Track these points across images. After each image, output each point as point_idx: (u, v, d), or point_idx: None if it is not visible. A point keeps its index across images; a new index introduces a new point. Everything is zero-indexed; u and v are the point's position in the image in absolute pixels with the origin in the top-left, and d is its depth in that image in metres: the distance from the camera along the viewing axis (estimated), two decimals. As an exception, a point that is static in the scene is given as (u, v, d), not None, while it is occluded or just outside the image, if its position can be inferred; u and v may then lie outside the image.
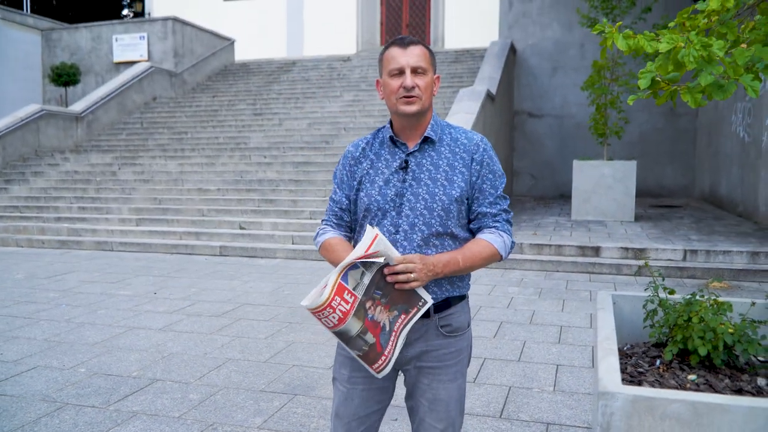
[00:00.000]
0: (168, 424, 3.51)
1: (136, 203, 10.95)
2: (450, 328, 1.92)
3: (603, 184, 10.52)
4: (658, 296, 2.00)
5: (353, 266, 1.66)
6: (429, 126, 1.91)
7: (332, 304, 1.64)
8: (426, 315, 1.85)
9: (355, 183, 1.95)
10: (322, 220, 2.06)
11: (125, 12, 33.56)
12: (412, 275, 1.70)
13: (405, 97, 1.83)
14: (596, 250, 8.00)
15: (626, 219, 10.40)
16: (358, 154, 1.99)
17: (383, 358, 1.74)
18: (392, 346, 1.75)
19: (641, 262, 7.66)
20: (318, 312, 1.64)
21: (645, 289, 2.05)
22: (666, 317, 1.89)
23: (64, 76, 16.57)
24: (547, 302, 6.21)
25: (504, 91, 13.39)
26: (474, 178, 1.89)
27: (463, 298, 1.96)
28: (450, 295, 1.90)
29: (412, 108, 1.84)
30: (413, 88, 1.82)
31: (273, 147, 12.51)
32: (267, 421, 3.53)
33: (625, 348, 2.04)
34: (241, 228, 9.72)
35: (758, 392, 1.69)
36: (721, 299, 1.89)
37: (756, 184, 10.15)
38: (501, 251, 1.88)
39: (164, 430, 3.43)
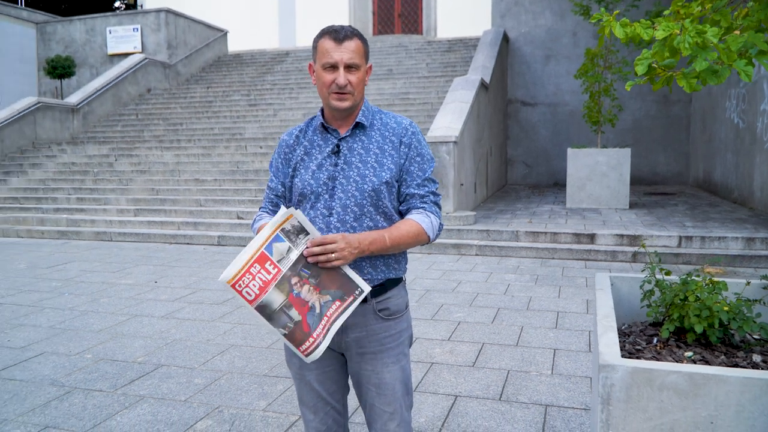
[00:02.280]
0: (174, 407, 3.59)
1: (133, 194, 10.98)
2: (388, 312, 1.97)
3: (597, 171, 10.61)
4: (654, 277, 2.08)
5: (278, 239, 1.69)
6: (360, 112, 1.97)
7: (251, 270, 1.66)
8: (363, 300, 1.88)
9: (290, 170, 2.00)
10: (260, 208, 2.12)
11: (117, 4, 33.37)
12: (333, 255, 1.73)
13: (337, 92, 1.88)
14: (591, 237, 8.10)
15: (621, 206, 10.50)
16: (292, 141, 2.04)
17: (311, 339, 1.73)
18: (323, 330, 1.75)
19: (636, 249, 7.76)
20: (237, 281, 1.64)
21: (642, 271, 2.13)
22: (663, 297, 1.97)
23: (59, 69, 16.52)
24: (544, 289, 6.31)
25: (497, 79, 13.45)
26: (402, 161, 1.94)
27: (399, 281, 2.01)
28: (386, 277, 1.95)
29: (344, 104, 1.90)
30: (346, 85, 1.87)
31: (268, 137, 12.54)
32: (272, 404, 3.61)
33: (623, 327, 2.12)
34: (239, 218, 9.78)
35: (754, 367, 1.77)
36: (716, 279, 1.98)
37: (751, 170, 10.26)
38: (428, 231, 1.93)
39: (171, 413, 3.51)
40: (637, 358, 1.80)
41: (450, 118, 9.53)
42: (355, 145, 1.94)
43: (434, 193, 1.98)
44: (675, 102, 14.57)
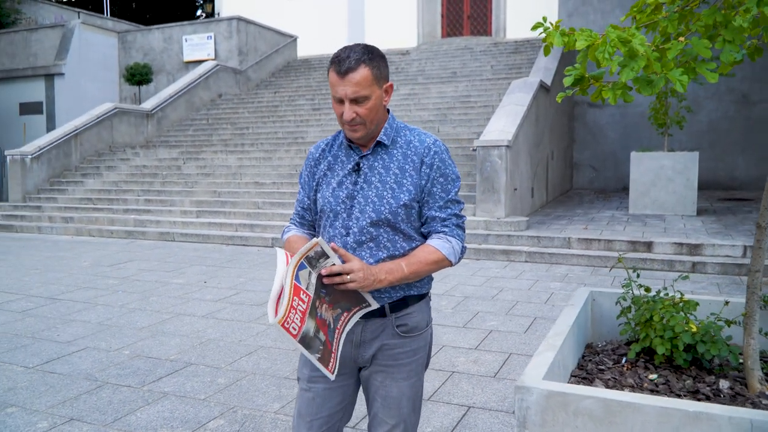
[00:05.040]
0: (192, 405, 3.71)
1: (197, 196, 11.42)
2: (406, 328, 1.91)
3: (663, 176, 10.14)
4: (632, 292, 1.97)
5: (301, 266, 1.68)
6: (382, 130, 1.91)
7: (293, 305, 1.65)
8: (383, 314, 1.87)
9: (314, 184, 1.99)
10: (290, 219, 2.12)
11: (199, 13, 34.84)
12: (347, 277, 1.69)
13: (348, 124, 1.83)
14: (648, 246, 7.75)
15: (687, 213, 9.99)
16: (318, 155, 2.02)
17: (333, 356, 1.75)
18: (337, 344, 1.77)
19: (696, 259, 7.37)
20: (285, 319, 1.64)
21: (622, 286, 2.03)
22: (636, 315, 1.87)
23: (137, 76, 17.39)
24: (588, 298, 6.09)
25: (561, 81, 13.08)
26: (424, 182, 1.86)
27: (422, 297, 1.95)
28: (406, 294, 1.90)
29: (356, 135, 1.85)
30: (354, 118, 1.81)
31: (329, 141, 12.72)
32: (284, 407, 3.67)
33: (600, 345, 2.03)
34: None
35: (715, 395, 1.65)
36: (688, 297, 1.85)
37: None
38: (450, 257, 1.86)
39: (188, 411, 3.63)
40: (591, 379, 1.71)
41: (504, 122, 9.37)
42: (376, 164, 1.89)
43: (457, 215, 1.91)
44: (756, 102, 13.72)
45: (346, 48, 1.82)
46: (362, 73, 1.77)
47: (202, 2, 33.74)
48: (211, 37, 18.51)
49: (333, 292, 1.75)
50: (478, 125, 11.87)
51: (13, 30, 19.21)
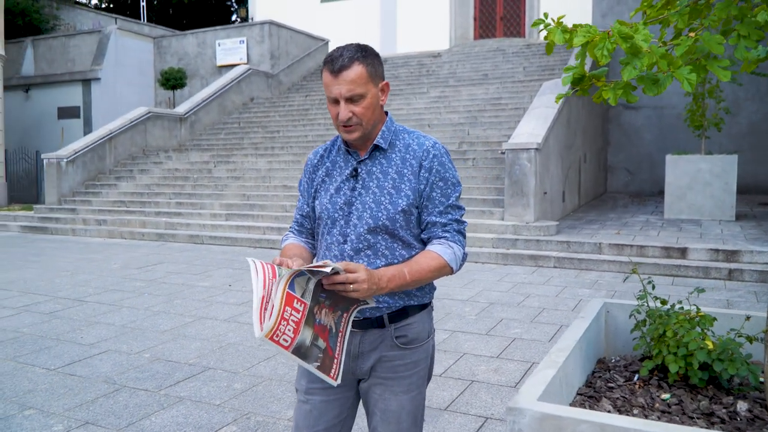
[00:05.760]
0: (207, 410, 3.69)
1: (227, 199, 11.51)
2: (405, 339, 1.84)
3: (699, 179, 9.82)
4: (647, 305, 1.85)
5: (299, 273, 1.61)
6: (379, 133, 1.84)
7: (284, 315, 1.56)
8: (381, 325, 1.81)
9: (313, 191, 1.94)
10: (289, 227, 2.06)
11: (234, 18, 35.31)
12: (351, 286, 1.61)
13: (344, 125, 1.77)
14: (682, 252, 7.50)
15: (725, 218, 9.66)
16: (316, 161, 1.97)
17: (335, 362, 1.68)
18: (340, 348, 1.70)
19: (733, 266, 7.09)
20: (274, 332, 1.55)
21: (637, 297, 1.91)
22: (650, 329, 1.75)
23: (172, 80, 17.67)
24: (617, 305, 5.90)
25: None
26: (422, 187, 1.79)
27: (423, 307, 1.88)
28: (406, 304, 1.83)
29: (352, 136, 1.79)
30: (350, 118, 1.75)
31: (358, 144, 12.70)
32: (298, 414, 3.61)
33: (613, 360, 1.92)
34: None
35: (731, 418, 1.53)
36: (705, 311, 1.73)
37: None
38: (451, 263, 1.78)
39: (202, 416, 3.61)
40: (598, 398, 1.61)
41: (534, 125, 9.20)
42: (374, 169, 1.83)
43: (458, 221, 1.84)
44: (800, 103, 13.21)
45: (338, 48, 1.77)
46: (356, 70, 1.72)
47: (236, 7, 34.19)
48: (243, 41, 18.70)
49: (333, 296, 1.68)
50: (508, 128, 11.69)
51: (52, 36, 19.73)
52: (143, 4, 25.96)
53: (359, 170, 1.84)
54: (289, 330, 1.57)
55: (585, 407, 1.54)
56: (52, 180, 12.81)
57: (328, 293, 1.67)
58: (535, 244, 8.25)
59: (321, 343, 1.66)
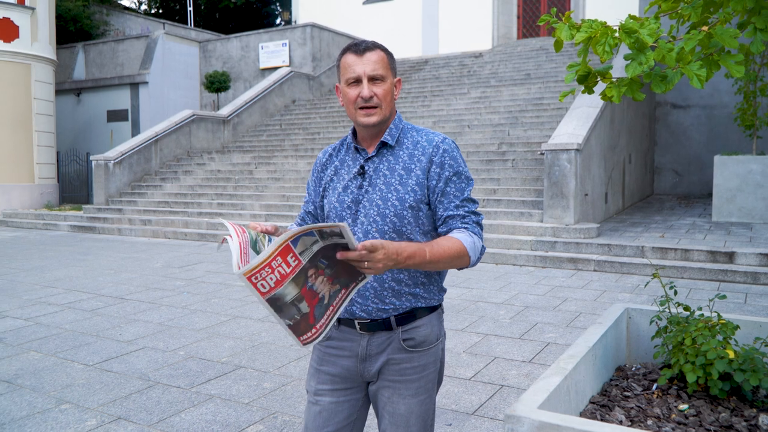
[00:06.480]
0: (235, 409, 3.73)
1: (267, 200, 11.66)
2: (413, 342, 1.82)
3: (750, 181, 9.46)
4: (669, 311, 1.78)
5: (309, 233, 1.56)
6: (387, 130, 1.84)
7: (272, 263, 1.53)
8: (389, 327, 1.79)
9: (320, 189, 1.94)
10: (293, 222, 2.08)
11: (278, 21, 35.81)
12: (365, 264, 1.56)
13: (364, 107, 1.78)
14: (730, 256, 7.23)
15: (777, 221, 9.28)
16: (324, 160, 1.97)
17: (314, 330, 1.64)
18: (326, 320, 1.66)
19: (784, 270, 6.79)
20: (255, 273, 1.52)
21: (659, 303, 1.84)
22: (667, 337, 1.68)
23: (216, 83, 18.01)
24: (658, 311, 5.73)
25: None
26: (434, 182, 1.78)
27: (432, 310, 1.85)
28: (414, 306, 1.81)
29: (371, 119, 1.78)
30: (371, 97, 1.76)
31: (397, 145, 12.69)
32: (324, 415, 3.62)
33: (632, 368, 1.85)
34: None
35: (751, 431, 1.45)
36: (727, 318, 1.64)
37: None
38: (470, 252, 1.74)
39: (231, 414, 3.65)
40: (609, 407, 1.55)
41: (574, 125, 9.02)
42: (381, 166, 1.83)
43: (475, 213, 1.82)
44: None
45: (356, 41, 1.84)
46: (380, 54, 1.80)
47: (280, 11, 34.65)
48: (285, 44, 18.93)
49: (335, 266, 1.62)
50: (549, 128, 11.50)
51: (102, 41, 20.36)
52: (190, 9, 26.56)
53: (366, 168, 1.84)
54: (270, 279, 1.54)
55: (596, 416, 1.49)
56: (100, 181, 13.21)
57: (330, 262, 1.62)
58: (574, 246, 8.08)
59: (304, 306, 1.61)
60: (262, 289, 1.56)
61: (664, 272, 7.28)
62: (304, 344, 1.67)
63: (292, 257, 1.57)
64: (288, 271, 1.57)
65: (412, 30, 22.20)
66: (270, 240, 1.76)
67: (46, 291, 6.98)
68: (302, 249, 1.58)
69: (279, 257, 1.54)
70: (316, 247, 1.60)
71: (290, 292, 1.59)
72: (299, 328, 1.64)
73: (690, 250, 7.44)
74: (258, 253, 1.68)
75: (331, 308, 1.67)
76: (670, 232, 8.79)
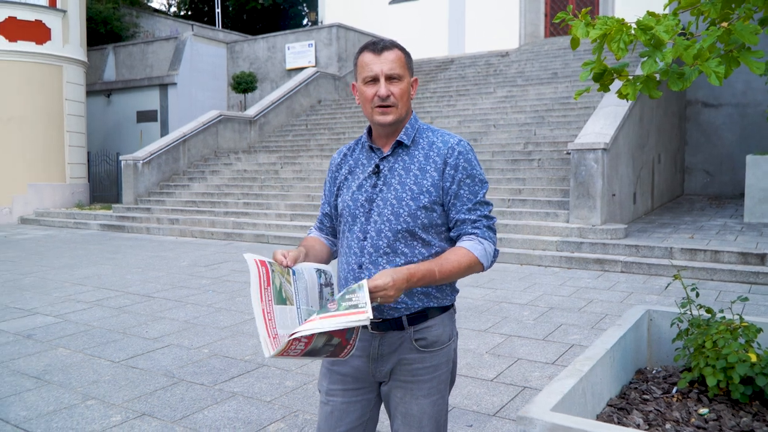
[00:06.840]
0: (257, 406, 3.76)
1: (292, 200, 11.73)
2: (425, 342, 1.81)
3: (784, 181, 9.23)
4: (690, 313, 1.75)
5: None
6: (403, 130, 1.84)
7: (297, 336, 1.55)
8: (400, 327, 1.79)
9: (335, 189, 1.95)
10: (313, 225, 2.11)
11: (305, 22, 36.02)
12: (379, 299, 1.59)
13: (380, 106, 1.78)
14: (762, 258, 7.06)
15: (813, 222, 9.04)
16: (339, 160, 1.98)
17: (349, 347, 1.66)
18: (356, 336, 1.65)
19: (818, 273, 6.61)
20: (284, 352, 1.55)
21: (681, 305, 1.81)
22: (687, 340, 1.65)
23: (243, 84, 18.18)
24: (686, 313, 5.62)
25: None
26: (448, 184, 1.78)
27: (444, 310, 1.85)
28: (426, 306, 1.80)
29: (388, 118, 1.79)
30: (388, 96, 1.77)
31: (422, 145, 12.66)
32: (345, 414, 3.63)
33: (653, 371, 1.82)
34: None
35: (775, 434, 1.42)
36: (750, 320, 1.60)
37: None
38: (482, 260, 1.74)
39: (252, 412, 3.68)
40: (627, 410, 1.52)
41: (602, 124, 8.91)
42: (396, 165, 1.84)
43: (487, 217, 1.82)
44: None
45: (374, 39, 1.85)
46: (397, 53, 1.81)
47: (306, 11, 34.86)
48: (311, 44, 19.02)
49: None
50: (576, 128, 11.36)
51: (132, 43, 20.71)
52: (218, 10, 26.86)
53: (381, 167, 1.85)
54: (299, 346, 1.56)
55: (613, 419, 1.47)
56: (129, 181, 13.44)
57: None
58: (601, 247, 7.97)
59: (335, 341, 1.63)
60: (295, 353, 1.58)
61: (693, 274, 7.14)
62: (345, 357, 1.68)
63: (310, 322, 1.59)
64: (311, 335, 1.57)
65: (438, 29, 22.14)
66: (293, 273, 1.75)
67: (76, 288, 7.13)
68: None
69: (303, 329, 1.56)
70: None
71: (320, 340, 1.60)
72: (336, 353, 1.66)
73: (720, 252, 7.29)
74: (285, 302, 1.68)
75: (356, 329, 1.67)
76: (700, 233, 8.62)
